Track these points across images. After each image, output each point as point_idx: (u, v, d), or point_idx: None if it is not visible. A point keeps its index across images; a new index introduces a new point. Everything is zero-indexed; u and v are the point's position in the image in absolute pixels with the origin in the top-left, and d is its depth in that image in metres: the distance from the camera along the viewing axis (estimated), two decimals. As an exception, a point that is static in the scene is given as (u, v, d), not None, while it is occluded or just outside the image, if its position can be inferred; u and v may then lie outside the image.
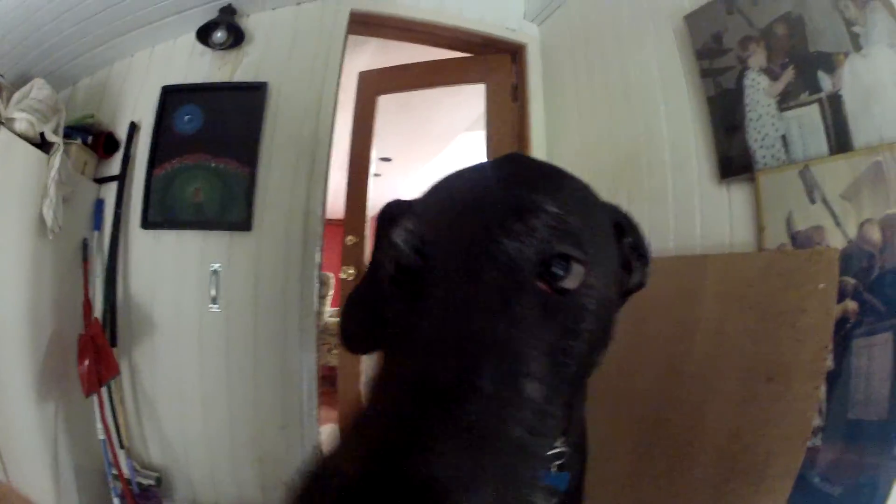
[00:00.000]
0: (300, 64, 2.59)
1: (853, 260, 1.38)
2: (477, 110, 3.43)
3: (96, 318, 2.28)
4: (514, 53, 3.01)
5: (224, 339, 2.41)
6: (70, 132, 2.26)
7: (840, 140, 1.46)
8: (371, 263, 0.88)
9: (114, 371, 2.23)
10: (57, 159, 2.06)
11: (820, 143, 1.51)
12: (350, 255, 3.02)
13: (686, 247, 1.92)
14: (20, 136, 1.98)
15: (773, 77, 1.66)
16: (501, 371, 0.47)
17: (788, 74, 1.61)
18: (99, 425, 2.22)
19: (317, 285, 2.45)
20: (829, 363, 1.36)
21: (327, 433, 2.63)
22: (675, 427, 1.68)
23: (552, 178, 0.66)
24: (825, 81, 1.50)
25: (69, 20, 2.19)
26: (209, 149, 2.46)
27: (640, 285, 0.77)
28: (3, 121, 1.94)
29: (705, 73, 1.88)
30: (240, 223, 2.42)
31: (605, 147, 2.40)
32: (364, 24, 2.81)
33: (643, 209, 2.09)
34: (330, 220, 2.61)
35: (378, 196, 2.37)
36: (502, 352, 0.49)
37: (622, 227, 0.73)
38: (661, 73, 2.10)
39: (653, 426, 1.76)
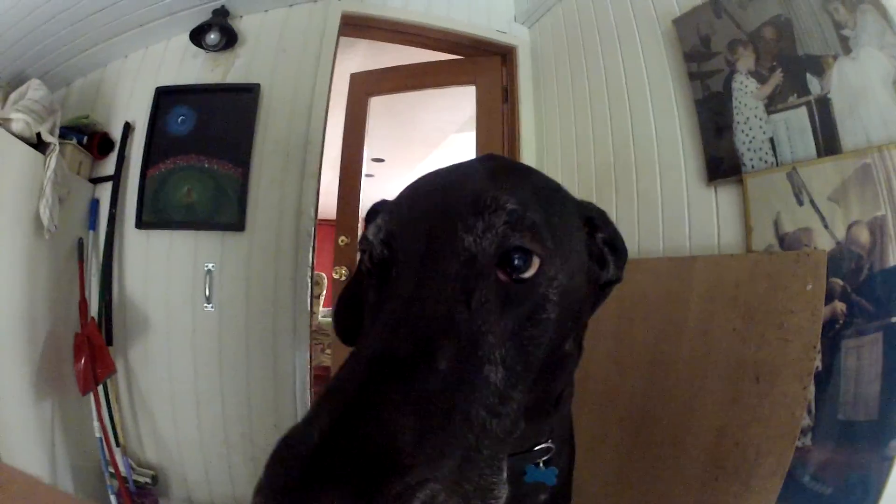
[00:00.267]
0: (292, 65, 2.55)
1: (841, 261, 1.36)
2: (468, 112, 3.40)
3: (92, 318, 2.24)
4: (504, 55, 2.98)
5: (217, 338, 2.36)
6: (65, 132, 2.23)
7: (828, 142, 1.44)
8: (359, 260, 0.89)
9: (110, 370, 2.19)
10: (53, 160, 2.03)
11: (808, 146, 1.49)
12: (343, 256, 2.98)
13: (674, 248, 1.89)
14: (17, 136, 1.96)
15: (761, 80, 1.63)
16: (460, 351, 0.49)
17: (776, 77, 1.58)
18: (95, 423, 2.18)
19: (309, 285, 2.41)
20: (817, 363, 1.34)
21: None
22: (663, 426, 1.65)
23: (517, 175, 0.67)
24: (814, 84, 1.47)
25: (64, 21, 2.15)
26: (202, 150, 2.42)
27: (617, 279, 0.77)
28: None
29: (693, 76, 1.85)
30: (233, 223, 2.38)
31: (594, 149, 2.37)
32: (355, 26, 2.77)
33: (632, 211, 2.08)
34: (322, 220, 2.58)
35: (370, 196, 2.34)
36: (460, 334, 0.50)
37: (595, 223, 0.73)
38: (650, 76, 2.08)
39: (641, 425, 1.73)
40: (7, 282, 1.92)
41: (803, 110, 1.50)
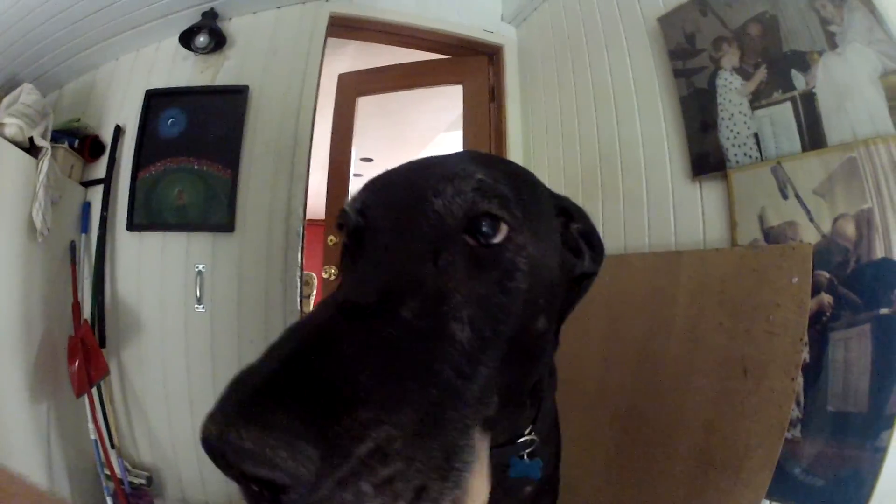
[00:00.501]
0: (281, 67, 2.50)
1: (828, 254, 1.33)
2: (456, 111, 3.35)
3: (85, 320, 2.19)
4: (491, 55, 2.94)
5: (209, 338, 2.31)
6: (57, 136, 2.18)
7: (813, 137, 1.41)
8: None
9: (103, 371, 2.14)
10: (45, 163, 1.98)
11: (792, 141, 1.46)
12: (332, 255, 2.92)
13: (660, 244, 1.86)
14: (9, 140, 1.92)
15: (746, 76, 1.60)
16: (425, 304, 0.48)
17: (761, 74, 1.55)
18: (90, 425, 2.14)
19: (299, 285, 2.37)
20: (805, 356, 1.32)
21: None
22: (652, 421, 1.63)
23: (491, 159, 0.68)
24: (799, 80, 1.44)
25: (56, 25, 2.11)
26: (192, 151, 2.37)
27: (593, 272, 0.76)
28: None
29: (678, 74, 1.81)
30: (223, 224, 2.33)
31: (580, 146, 2.33)
32: (344, 27, 2.72)
33: (618, 207, 2.04)
34: (312, 220, 2.53)
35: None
36: (427, 289, 0.50)
37: (570, 213, 0.73)
38: (636, 74, 2.05)
39: (630, 421, 1.71)
40: (1, 286, 1.88)
41: (788, 106, 1.47)
